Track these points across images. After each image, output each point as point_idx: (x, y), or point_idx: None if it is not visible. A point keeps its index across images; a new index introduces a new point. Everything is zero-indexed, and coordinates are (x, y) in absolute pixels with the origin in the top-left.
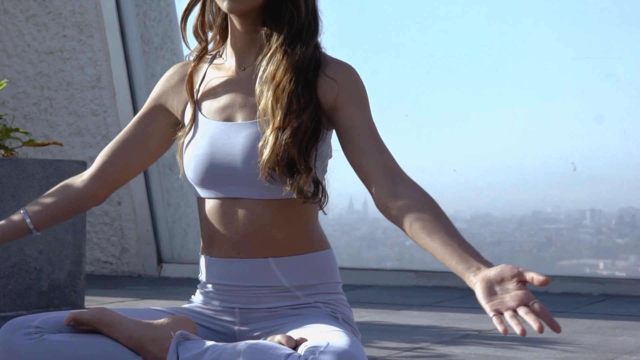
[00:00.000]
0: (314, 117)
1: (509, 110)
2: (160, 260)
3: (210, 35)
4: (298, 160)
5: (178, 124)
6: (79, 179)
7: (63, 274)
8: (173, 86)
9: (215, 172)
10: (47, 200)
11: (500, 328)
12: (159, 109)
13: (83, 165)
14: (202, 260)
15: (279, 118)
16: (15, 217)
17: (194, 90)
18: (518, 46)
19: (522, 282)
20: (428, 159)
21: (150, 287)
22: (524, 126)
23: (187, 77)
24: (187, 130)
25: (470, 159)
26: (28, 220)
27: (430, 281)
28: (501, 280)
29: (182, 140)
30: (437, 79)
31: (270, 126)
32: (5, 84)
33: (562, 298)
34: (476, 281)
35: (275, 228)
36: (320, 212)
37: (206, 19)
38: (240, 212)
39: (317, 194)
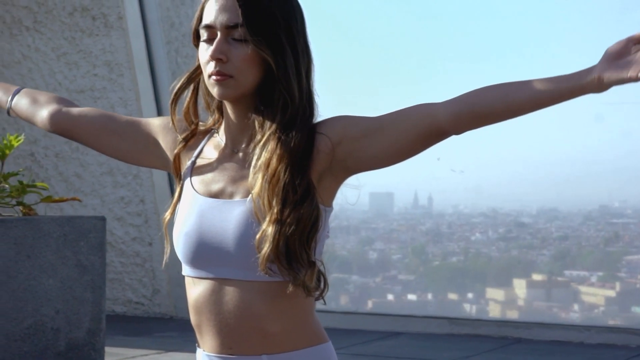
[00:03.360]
0: (313, 207)
1: (573, 102)
2: None
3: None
4: (299, 253)
5: (160, 158)
6: (58, 106)
7: (82, 332)
8: (175, 138)
9: (205, 252)
10: (33, 102)
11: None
12: (154, 136)
13: (102, 221)
14: (198, 353)
15: (276, 210)
16: (9, 89)
17: (186, 164)
18: (558, 44)
19: None
20: (491, 152)
21: (179, 332)
22: (589, 120)
23: (174, 156)
24: (174, 203)
25: (534, 153)
26: (12, 102)
27: (462, 329)
28: (624, 50)
29: (167, 214)
30: (488, 74)
31: (267, 218)
32: (22, 140)
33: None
34: (597, 67)
35: (269, 319)
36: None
37: (197, 101)
38: (231, 297)
39: (319, 286)
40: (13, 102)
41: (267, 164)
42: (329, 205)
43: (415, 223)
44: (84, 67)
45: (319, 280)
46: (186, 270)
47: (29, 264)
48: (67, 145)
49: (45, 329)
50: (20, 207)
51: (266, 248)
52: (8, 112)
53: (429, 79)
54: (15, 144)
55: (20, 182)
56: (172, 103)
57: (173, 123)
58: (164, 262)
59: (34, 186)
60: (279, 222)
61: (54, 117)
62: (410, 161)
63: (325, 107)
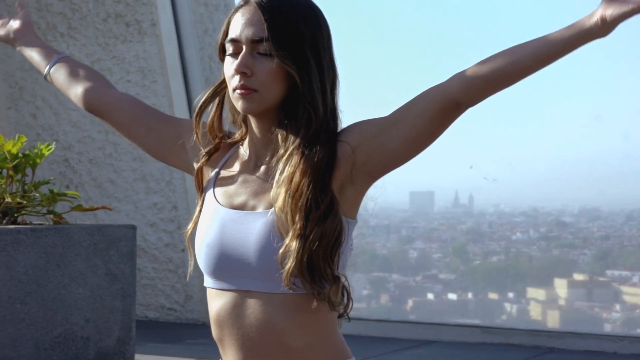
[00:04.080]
0: (336, 222)
1: (612, 101)
2: None
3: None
4: (323, 268)
5: (184, 161)
6: (94, 85)
7: (112, 341)
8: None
9: (227, 263)
10: (71, 74)
11: None
12: (183, 139)
13: (132, 230)
14: None
15: (299, 225)
16: (51, 55)
17: (209, 175)
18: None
19: None
20: (532, 151)
21: (211, 339)
22: (632, 115)
23: (197, 169)
24: (196, 215)
25: (576, 151)
26: (52, 68)
27: (495, 338)
28: None
29: (190, 226)
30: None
31: (291, 233)
32: (53, 149)
33: None
34: (598, 10)
35: (291, 334)
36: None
37: (222, 115)
38: (253, 310)
39: (343, 300)
40: (52, 70)
41: (291, 179)
42: (353, 217)
43: (455, 222)
44: (117, 74)
45: (342, 295)
46: (208, 281)
47: (58, 273)
48: (100, 151)
49: (75, 337)
50: (51, 216)
51: (290, 263)
52: (45, 78)
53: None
54: (46, 153)
55: (51, 191)
56: (196, 117)
57: (197, 137)
58: (188, 275)
59: (65, 195)
60: (302, 237)
61: (88, 97)
62: (451, 160)
63: (362, 105)
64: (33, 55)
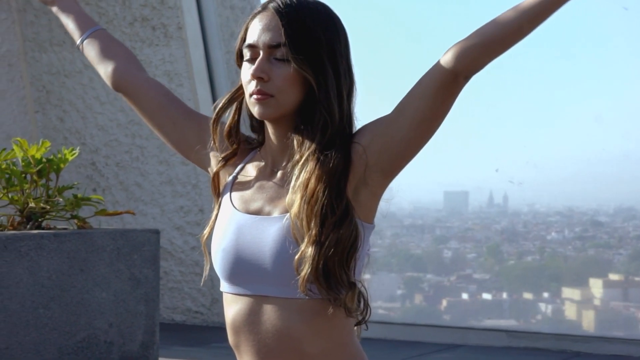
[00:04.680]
0: (352, 228)
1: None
2: None
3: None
4: (339, 274)
5: (202, 161)
6: (126, 66)
7: (135, 345)
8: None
9: (242, 268)
10: (105, 50)
11: None
12: (205, 139)
13: (155, 234)
14: None
15: (314, 232)
16: (87, 25)
17: (226, 179)
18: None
19: None
20: (567, 150)
21: None
22: None
23: (213, 174)
24: (212, 220)
25: (612, 150)
26: (86, 40)
27: (520, 342)
28: None
29: (206, 231)
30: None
31: (306, 239)
32: (77, 153)
33: None
34: None
35: (307, 340)
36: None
37: (240, 121)
38: (269, 316)
39: (359, 306)
40: (85, 41)
41: (306, 185)
42: (369, 222)
43: (490, 222)
44: None
45: (359, 301)
46: (224, 286)
47: (82, 278)
48: (127, 154)
49: (98, 342)
50: (75, 220)
51: (305, 269)
52: (77, 48)
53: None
54: (70, 158)
55: (75, 196)
56: (213, 123)
57: (215, 143)
58: (203, 280)
59: (88, 199)
60: (317, 243)
61: (118, 77)
62: (486, 160)
63: (391, 106)
64: (69, 21)
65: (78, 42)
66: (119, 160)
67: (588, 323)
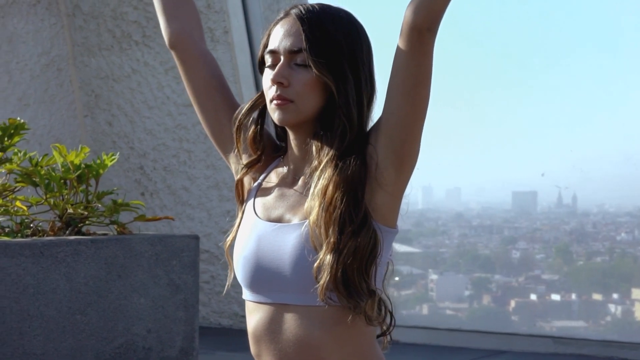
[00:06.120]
0: (370, 235)
1: None
2: None
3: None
4: (358, 282)
5: (234, 161)
6: (190, 31)
7: (174, 351)
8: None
9: (263, 276)
10: (174, 5)
11: None
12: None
13: (195, 240)
14: None
15: (332, 239)
16: None
17: (252, 185)
18: None
19: None
20: (603, 149)
21: None
22: None
23: (236, 182)
24: (236, 227)
25: None
26: None
27: (567, 348)
28: None
29: (229, 238)
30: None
31: (325, 247)
32: (116, 159)
33: None
34: None
35: (328, 349)
36: None
37: (263, 128)
38: (289, 325)
39: (380, 314)
40: None
41: (324, 192)
42: (391, 226)
43: (559, 222)
44: None
45: (379, 309)
46: (246, 294)
47: (119, 284)
48: (174, 158)
49: (136, 348)
50: (115, 226)
51: (324, 277)
52: None
53: (530, 76)
54: (109, 164)
55: (114, 201)
56: (236, 130)
57: (238, 150)
58: (226, 288)
59: (127, 205)
60: (336, 251)
61: (178, 38)
62: (554, 159)
63: (445, 106)
64: None
65: None
66: (166, 164)
67: None
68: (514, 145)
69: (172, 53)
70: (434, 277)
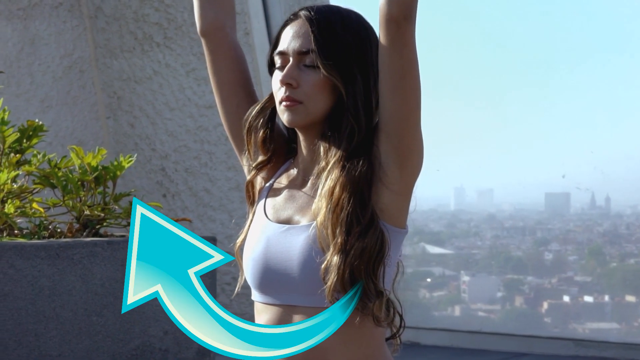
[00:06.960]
0: (377, 236)
1: None
2: None
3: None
4: (366, 283)
5: (246, 162)
6: (225, 25)
7: (191, 353)
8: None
9: (271, 277)
10: None
11: None
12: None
13: (212, 241)
14: None
15: (340, 240)
16: None
17: (263, 186)
18: None
19: None
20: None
21: None
22: None
23: (246, 183)
24: (247, 228)
25: None
26: None
27: (588, 351)
28: None
29: (239, 240)
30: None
31: (332, 248)
32: (133, 161)
33: None
34: None
35: (336, 351)
36: None
37: (275, 131)
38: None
39: (388, 315)
40: None
41: (331, 193)
42: (400, 226)
43: (592, 224)
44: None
45: (388, 310)
46: (255, 295)
47: None
48: (196, 160)
49: (153, 349)
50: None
51: (332, 278)
52: None
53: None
54: (126, 165)
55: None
56: (247, 132)
57: (249, 152)
58: (236, 291)
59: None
60: (343, 252)
61: (211, 26)
62: (588, 162)
63: (466, 105)
64: None
65: None
66: (187, 166)
67: None
68: (549, 146)
69: (203, 40)
70: (466, 278)
